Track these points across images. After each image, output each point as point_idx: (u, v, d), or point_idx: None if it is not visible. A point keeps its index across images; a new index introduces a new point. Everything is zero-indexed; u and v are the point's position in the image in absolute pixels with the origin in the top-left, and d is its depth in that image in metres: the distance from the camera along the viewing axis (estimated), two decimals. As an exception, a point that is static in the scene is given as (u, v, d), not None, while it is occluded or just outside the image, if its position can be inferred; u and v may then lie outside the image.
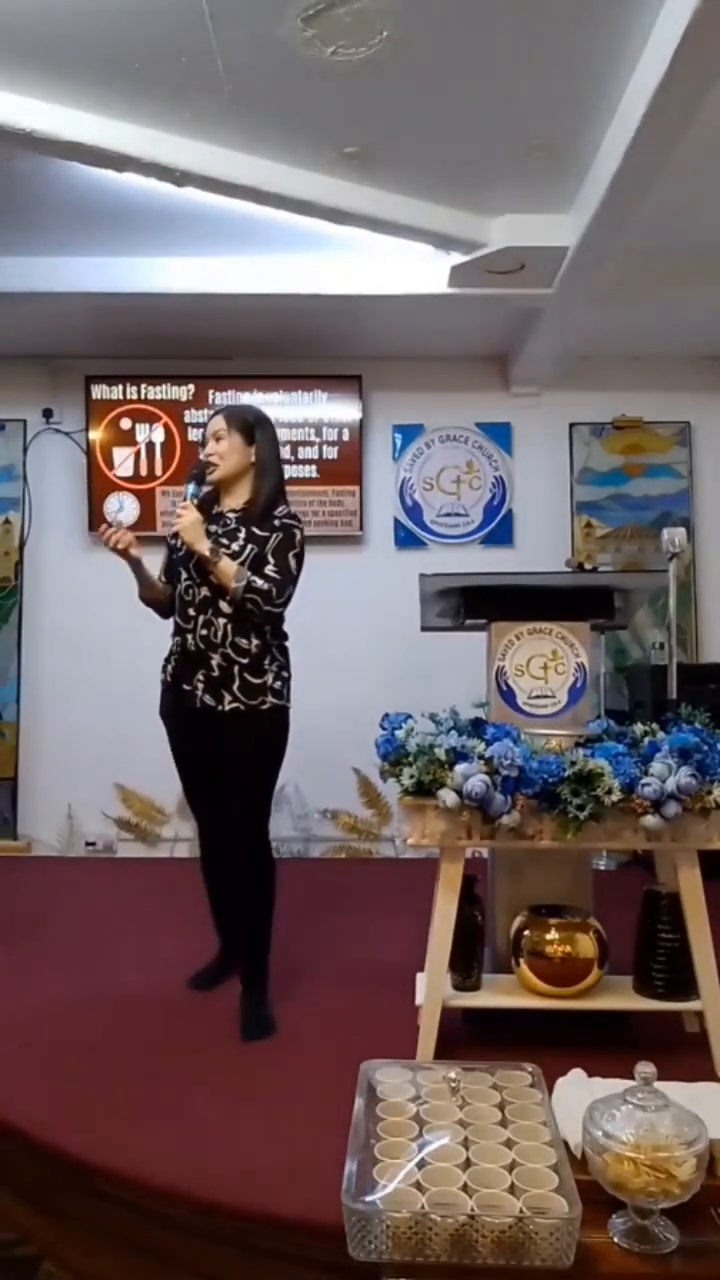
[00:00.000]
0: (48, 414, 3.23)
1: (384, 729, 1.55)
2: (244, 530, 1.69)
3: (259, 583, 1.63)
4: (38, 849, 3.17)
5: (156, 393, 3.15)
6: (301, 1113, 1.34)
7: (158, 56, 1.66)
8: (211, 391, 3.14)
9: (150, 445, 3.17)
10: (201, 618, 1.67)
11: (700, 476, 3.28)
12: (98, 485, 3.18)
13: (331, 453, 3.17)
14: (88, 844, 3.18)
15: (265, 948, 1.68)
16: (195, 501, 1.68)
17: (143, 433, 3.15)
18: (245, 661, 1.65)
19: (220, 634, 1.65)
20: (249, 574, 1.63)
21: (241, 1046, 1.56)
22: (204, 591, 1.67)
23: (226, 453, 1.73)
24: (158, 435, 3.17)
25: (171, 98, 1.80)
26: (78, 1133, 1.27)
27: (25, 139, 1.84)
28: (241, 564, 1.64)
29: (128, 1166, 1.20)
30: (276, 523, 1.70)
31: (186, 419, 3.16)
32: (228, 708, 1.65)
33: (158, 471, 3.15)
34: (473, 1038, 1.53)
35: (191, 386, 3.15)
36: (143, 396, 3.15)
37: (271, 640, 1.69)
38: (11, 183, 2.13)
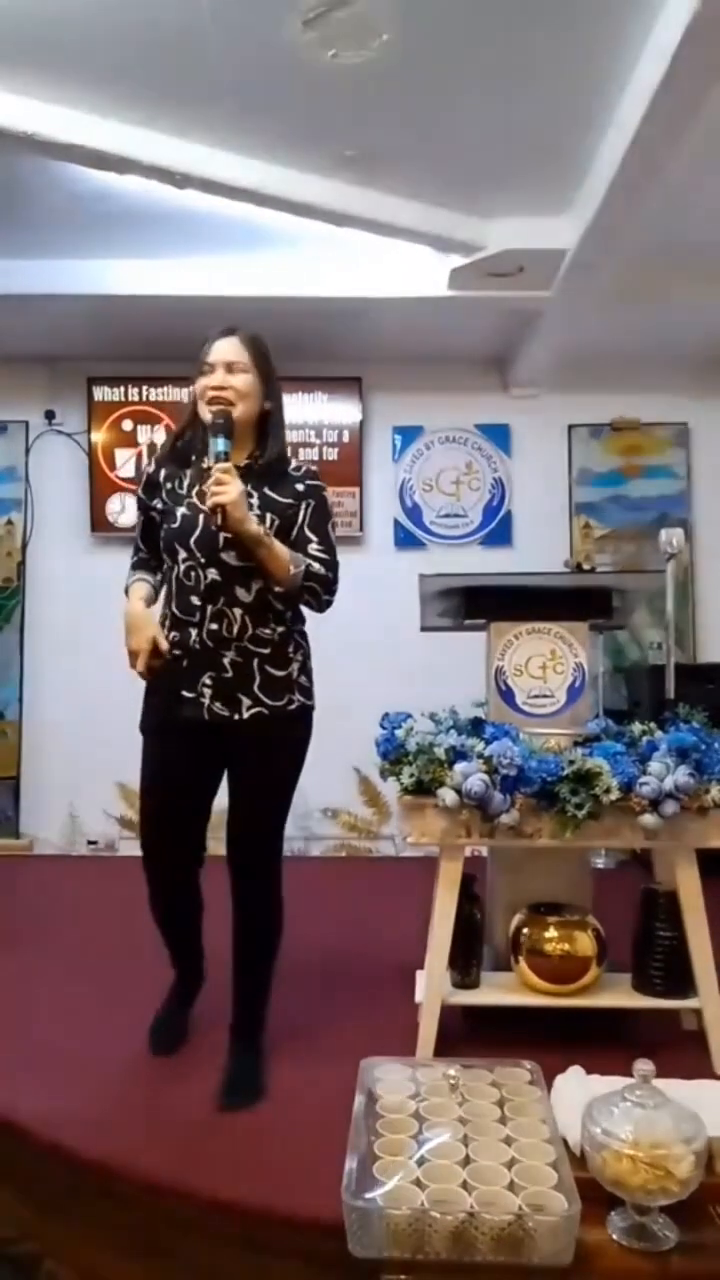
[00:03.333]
0: (50, 415, 3.24)
1: (384, 728, 1.55)
2: (256, 495, 1.32)
3: (316, 567, 1.30)
4: (40, 847, 3.18)
5: (158, 394, 3.16)
6: (301, 1110, 1.34)
7: (159, 59, 1.67)
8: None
9: (152, 446, 3.17)
10: (210, 608, 1.31)
11: (698, 477, 3.28)
12: (100, 486, 3.19)
13: (332, 454, 3.18)
14: (89, 843, 3.19)
15: (268, 992, 1.43)
16: (228, 461, 1.27)
17: (144, 434, 3.16)
18: (266, 652, 1.33)
19: (237, 627, 1.31)
20: (302, 557, 1.30)
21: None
22: (212, 574, 1.30)
23: (246, 390, 1.31)
24: (159, 437, 3.17)
25: (172, 100, 1.81)
26: (79, 1130, 1.27)
27: (27, 141, 1.85)
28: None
29: (128, 1164, 1.20)
30: (301, 486, 1.34)
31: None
32: (247, 714, 1.32)
33: (159, 473, 3.17)
34: (472, 1035, 1.53)
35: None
36: (144, 398, 3.16)
37: (293, 625, 1.38)
38: (13, 185, 2.14)
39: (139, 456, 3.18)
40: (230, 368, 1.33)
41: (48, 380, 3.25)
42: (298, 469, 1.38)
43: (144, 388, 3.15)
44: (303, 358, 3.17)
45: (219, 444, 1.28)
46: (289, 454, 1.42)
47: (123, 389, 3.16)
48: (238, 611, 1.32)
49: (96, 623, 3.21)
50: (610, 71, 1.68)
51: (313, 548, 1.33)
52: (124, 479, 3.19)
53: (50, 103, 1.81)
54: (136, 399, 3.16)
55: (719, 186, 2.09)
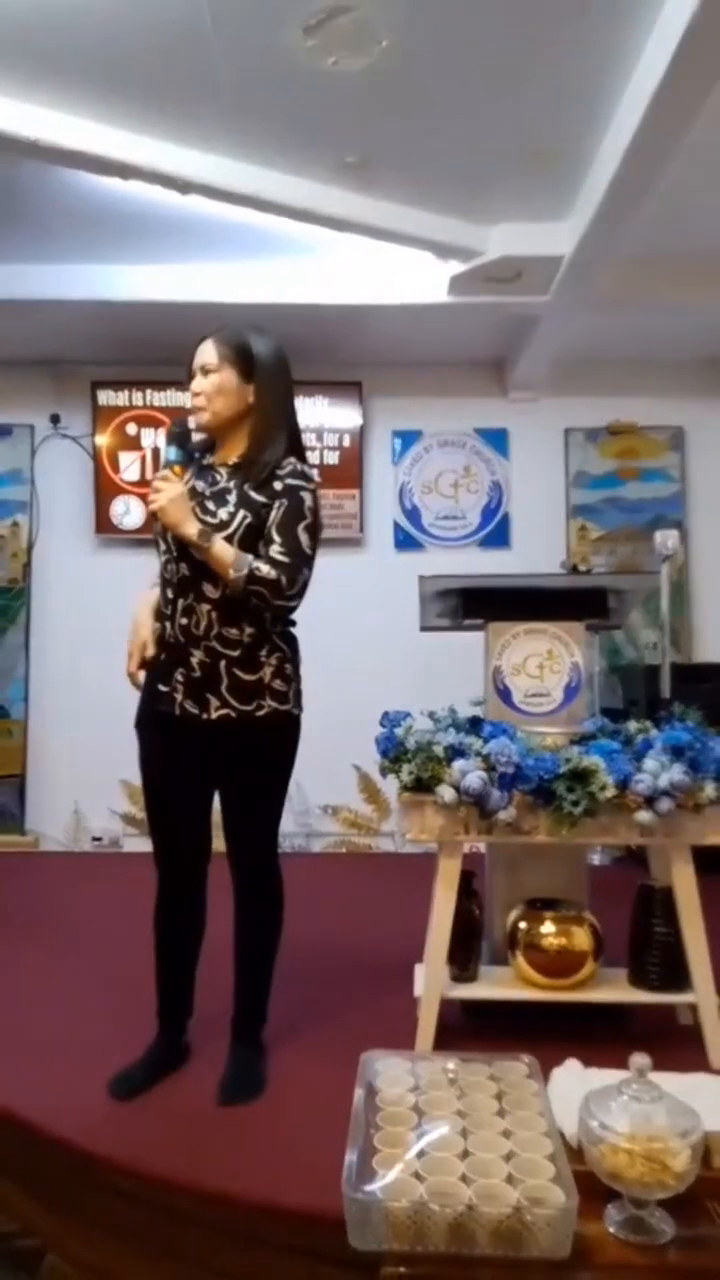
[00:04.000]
0: (55, 419, 3.26)
1: (384, 726, 1.56)
2: (235, 492, 1.29)
3: (264, 570, 1.25)
4: (45, 844, 3.19)
5: (162, 398, 3.18)
6: (301, 1104, 1.35)
7: (161, 65, 1.69)
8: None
9: (156, 450, 3.19)
10: (181, 602, 1.30)
11: (692, 480, 3.30)
12: (104, 489, 3.20)
13: (333, 457, 3.20)
14: (94, 839, 3.20)
15: (268, 990, 1.44)
16: (179, 468, 1.30)
17: (148, 438, 3.18)
18: (235, 654, 1.29)
19: (203, 624, 1.28)
20: (251, 560, 1.25)
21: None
22: (184, 569, 1.29)
23: (214, 392, 1.30)
24: (163, 441, 3.19)
25: (174, 106, 1.83)
26: (81, 1125, 1.28)
27: (30, 147, 1.86)
28: (232, 539, 1.26)
29: (130, 1158, 1.21)
30: (279, 485, 1.29)
31: (191, 425, 3.19)
32: (215, 715, 1.29)
33: (161, 475, 3.19)
34: (471, 1029, 1.54)
35: (194, 392, 3.19)
36: (148, 402, 3.17)
37: (271, 627, 1.32)
38: (17, 191, 2.16)
39: (142, 460, 3.19)
40: (204, 370, 1.33)
41: (53, 384, 3.27)
42: (285, 471, 1.32)
43: (148, 392, 3.17)
44: (304, 362, 3.16)
45: (167, 451, 1.32)
46: (284, 453, 1.34)
47: (127, 393, 3.17)
48: (205, 608, 1.30)
49: (100, 623, 3.22)
50: (608, 78, 1.70)
51: (274, 549, 1.27)
52: (128, 482, 3.21)
53: (54, 109, 1.82)
54: (140, 403, 3.18)
55: (716, 192, 2.11)
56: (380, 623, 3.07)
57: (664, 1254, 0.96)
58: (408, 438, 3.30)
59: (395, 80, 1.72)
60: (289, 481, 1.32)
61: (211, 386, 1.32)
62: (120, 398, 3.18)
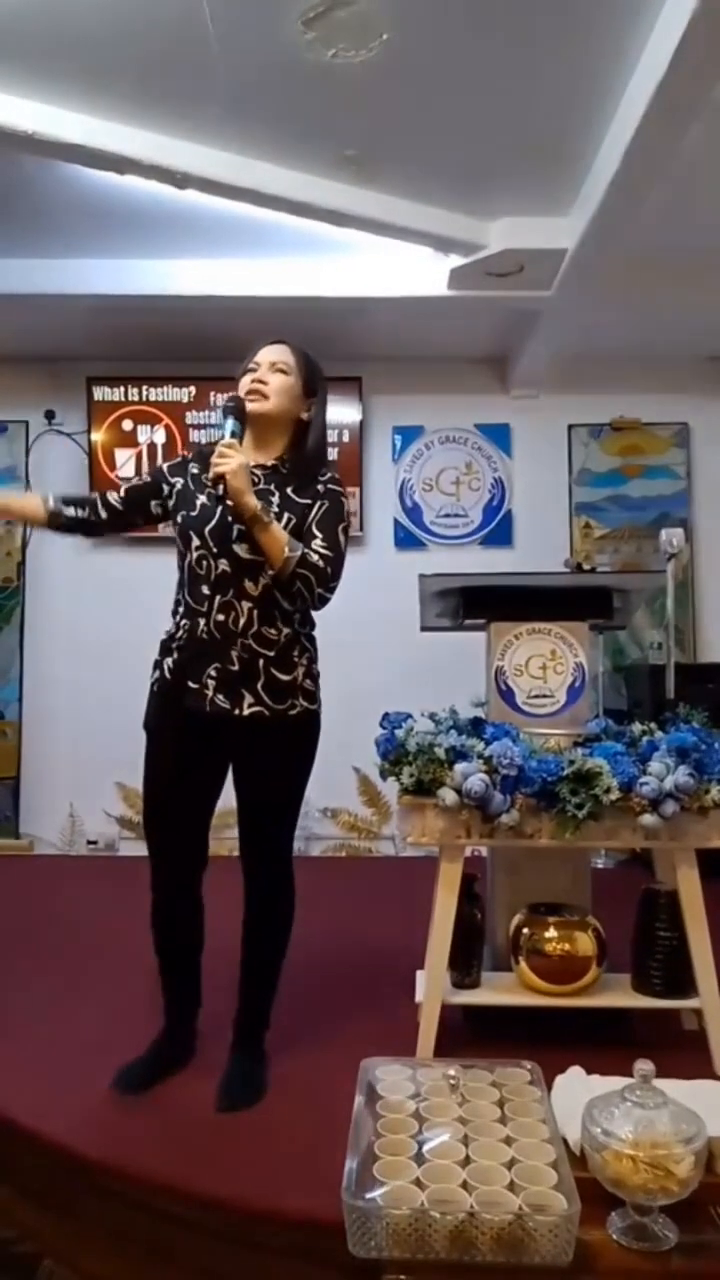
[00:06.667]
0: (49, 415, 3.24)
1: (384, 728, 1.55)
2: (278, 494, 1.35)
3: (314, 557, 1.30)
4: (40, 848, 3.19)
5: (158, 394, 3.16)
6: (302, 1110, 1.34)
7: (159, 59, 1.67)
8: (213, 393, 3.15)
9: (152, 446, 3.17)
10: (219, 598, 1.33)
11: (698, 477, 3.28)
12: (99, 486, 3.17)
13: (332, 454, 3.18)
14: (89, 843, 3.19)
15: (272, 997, 1.44)
16: (239, 442, 1.32)
17: (144, 434, 3.17)
18: (271, 654, 1.33)
19: (243, 621, 1.32)
20: (301, 545, 1.31)
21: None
22: (223, 565, 1.32)
23: (281, 389, 1.36)
24: (159, 437, 3.18)
25: (172, 100, 1.81)
26: (79, 1129, 1.27)
27: (26, 141, 1.85)
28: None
29: (129, 1163, 1.20)
30: (320, 488, 1.37)
31: (188, 420, 3.17)
32: (248, 712, 1.32)
33: (159, 473, 3.18)
34: (472, 1035, 1.53)
35: (193, 388, 3.16)
36: (144, 398, 3.16)
37: (300, 628, 1.38)
38: (14, 185, 2.14)
39: (139, 456, 3.18)
40: (273, 366, 1.39)
41: (48, 380, 3.25)
42: (324, 476, 1.41)
43: (144, 388, 3.15)
44: (303, 358, 3.18)
45: (228, 424, 1.34)
46: (323, 466, 1.43)
47: (122, 389, 3.16)
48: (245, 605, 1.33)
49: (96, 623, 3.22)
50: (611, 70, 1.68)
51: (316, 543, 1.33)
52: (124, 479, 3.18)
53: (50, 103, 1.81)
54: (136, 399, 3.16)
55: (718, 186, 2.09)
56: (380, 622, 3.05)
57: (667, 1261, 0.95)
58: (408, 434, 3.29)
59: (395, 73, 1.70)
60: (329, 486, 1.40)
61: (281, 383, 1.38)
62: (116, 393, 3.16)
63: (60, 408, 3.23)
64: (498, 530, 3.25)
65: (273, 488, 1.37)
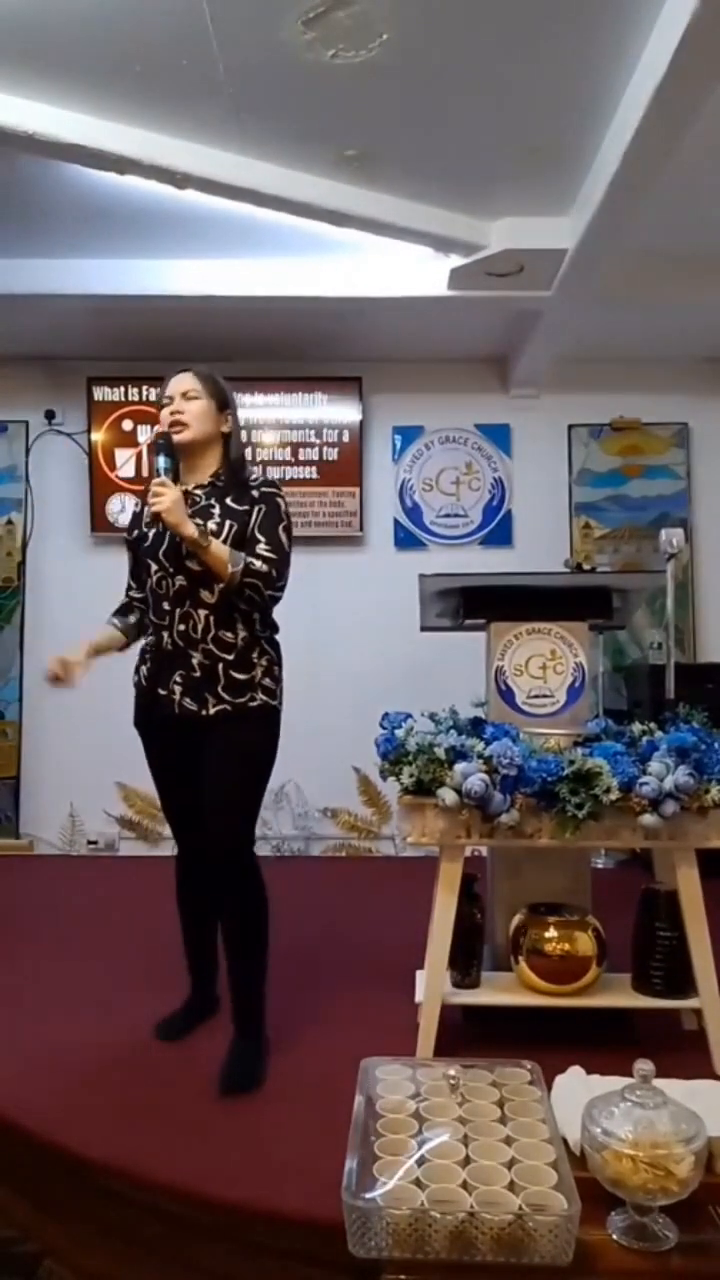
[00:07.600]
0: (50, 415, 3.24)
1: (384, 728, 1.55)
2: (218, 506, 1.47)
3: (257, 564, 1.42)
4: (40, 848, 3.19)
5: (158, 394, 3.17)
6: (302, 1110, 1.34)
7: (159, 59, 1.67)
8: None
9: (152, 446, 3.17)
10: (178, 611, 1.46)
11: (698, 477, 3.28)
12: (100, 486, 3.19)
13: (332, 454, 3.18)
14: (89, 843, 3.19)
15: (260, 980, 1.48)
16: (170, 476, 1.43)
17: (144, 434, 3.16)
18: (230, 657, 1.45)
19: (201, 628, 1.45)
20: (244, 555, 1.42)
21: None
22: (180, 581, 1.45)
23: (198, 415, 1.48)
24: (152, 453, 3.17)
25: (172, 100, 1.81)
26: (79, 1130, 1.28)
27: (27, 141, 1.84)
28: (225, 544, 1.42)
29: (128, 1163, 1.20)
30: (255, 493, 1.48)
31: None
32: (213, 711, 1.44)
33: (158, 472, 3.18)
34: (472, 1035, 1.53)
35: (192, 388, 3.17)
36: (144, 398, 3.15)
37: (260, 632, 1.49)
38: (14, 185, 2.14)
39: (139, 456, 3.18)
40: (185, 395, 1.51)
41: (48, 380, 3.25)
42: (255, 480, 1.53)
43: (144, 387, 3.15)
44: (303, 358, 3.18)
45: (159, 461, 1.46)
46: (248, 469, 1.56)
47: (123, 389, 3.16)
48: (203, 613, 1.46)
49: (96, 623, 3.19)
50: (611, 70, 1.68)
51: (260, 547, 1.45)
52: (124, 479, 3.19)
53: (50, 103, 1.81)
54: (136, 399, 3.16)
55: (719, 186, 2.09)
56: (380, 622, 3.06)
57: (667, 1260, 0.95)
58: (408, 434, 3.29)
59: (395, 73, 1.70)
60: (264, 490, 1.51)
61: (196, 409, 1.51)
62: (116, 393, 3.16)
63: (60, 408, 3.23)
64: (498, 530, 3.25)
65: (213, 501, 1.49)
